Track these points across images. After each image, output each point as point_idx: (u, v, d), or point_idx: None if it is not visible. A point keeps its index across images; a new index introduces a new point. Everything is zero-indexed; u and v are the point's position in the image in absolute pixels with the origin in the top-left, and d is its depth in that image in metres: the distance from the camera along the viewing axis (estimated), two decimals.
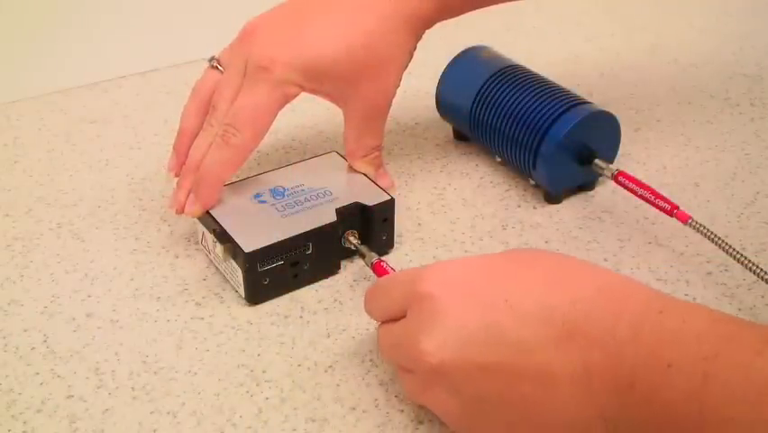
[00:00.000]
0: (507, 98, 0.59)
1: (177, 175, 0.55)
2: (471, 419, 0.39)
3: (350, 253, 0.53)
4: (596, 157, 0.57)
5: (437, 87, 0.65)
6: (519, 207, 0.59)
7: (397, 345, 0.42)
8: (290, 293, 0.52)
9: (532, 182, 0.60)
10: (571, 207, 0.59)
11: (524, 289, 0.39)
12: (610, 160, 0.59)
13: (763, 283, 0.49)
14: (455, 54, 0.64)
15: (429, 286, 0.40)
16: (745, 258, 0.49)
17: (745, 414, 0.31)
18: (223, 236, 0.50)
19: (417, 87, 0.67)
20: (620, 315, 0.36)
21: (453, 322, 0.38)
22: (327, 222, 0.51)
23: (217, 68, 0.54)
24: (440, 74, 0.64)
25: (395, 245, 0.55)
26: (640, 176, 0.55)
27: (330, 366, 0.47)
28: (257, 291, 0.50)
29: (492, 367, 0.37)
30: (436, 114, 0.66)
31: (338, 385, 0.45)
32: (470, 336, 0.38)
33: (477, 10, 0.57)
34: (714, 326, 0.35)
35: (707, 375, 0.32)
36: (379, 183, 0.55)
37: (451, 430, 0.42)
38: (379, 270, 0.50)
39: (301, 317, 0.50)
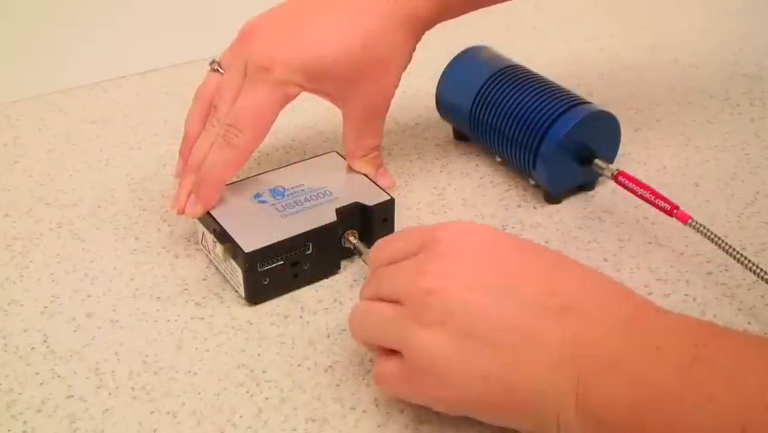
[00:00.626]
0: (507, 98, 0.59)
1: None
2: (452, 357, 0.39)
3: (350, 253, 0.53)
4: (596, 157, 0.57)
5: (437, 87, 0.65)
6: (519, 207, 0.59)
7: (398, 273, 0.41)
8: (290, 293, 0.52)
9: (532, 182, 0.60)
10: (571, 207, 0.59)
11: (535, 261, 0.41)
12: (610, 160, 0.59)
13: (763, 283, 0.49)
14: (455, 54, 0.64)
15: (449, 234, 0.42)
16: (745, 258, 0.49)
17: (728, 391, 0.33)
18: (223, 236, 0.50)
19: (417, 87, 0.67)
20: (621, 303, 0.39)
21: (466, 267, 0.40)
22: (327, 222, 0.51)
23: (218, 70, 0.54)
24: (440, 74, 0.64)
25: None
26: (640, 176, 0.55)
27: (330, 366, 0.47)
28: (257, 291, 0.50)
29: (490, 310, 0.39)
30: (436, 114, 0.66)
31: (338, 385, 0.45)
32: (477, 280, 0.40)
33: (477, 10, 0.57)
34: (705, 324, 0.37)
35: (696, 358, 0.34)
36: (379, 183, 0.55)
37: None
38: None
39: (301, 317, 0.50)
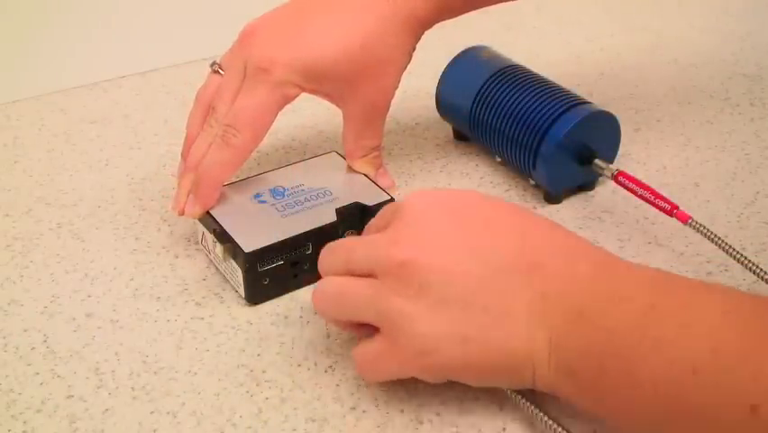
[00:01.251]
0: (507, 98, 0.59)
1: None
2: (432, 324, 0.40)
3: None
4: (596, 157, 0.57)
5: (437, 87, 0.65)
6: None
7: (370, 246, 0.42)
8: (290, 293, 0.52)
9: (532, 182, 0.60)
10: (571, 207, 0.59)
11: (504, 220, 0.43)
12: (610, 160, 0.59)
13: (763, 283, 0.49)
14: (455, 54, 0.64)
15: (414, 200, 0.43)
16: (745, 258, 0.49)
17: (680, 337, 0.35)
18: (223, 236, 0.50)
19: (417, 87, 0.67)
20: (584, 256, 0.41)
21: (434, 229, 0.42)
22: (327, 222, 0.51)
23: (219, 72, 0.54)
24: (440, 74, 0.64)
25: None
26: (640, 176, 0.55)
27: (330, 366, 0.47)
28: (257, 291, 0.50)
29: (464, 274, 0.40)
30: (436, 114, 0.66)
31: (338, 385, 0.45)
32: (448, 243, 0.41)
33: (477, 10, 0.57)
34: (664, 274, 0.40)
35: (653, 306, 0.37)
36: (379, 183, 0.55)
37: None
38: None
39: (301, 317, 0.50)
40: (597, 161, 0.57)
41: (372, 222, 0.46)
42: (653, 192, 0.54)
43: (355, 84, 0.53)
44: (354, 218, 0.52)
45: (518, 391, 0.42)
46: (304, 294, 0.52)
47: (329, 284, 0.44)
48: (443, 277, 0.40)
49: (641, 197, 0.54)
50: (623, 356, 0.36)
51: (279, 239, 0.49)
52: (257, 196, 0.53)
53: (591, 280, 0.39)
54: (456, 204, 0.43)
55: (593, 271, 0.40)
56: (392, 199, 0.53)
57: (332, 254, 0.45)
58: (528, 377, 0.40)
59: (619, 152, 0.60)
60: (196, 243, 0.56)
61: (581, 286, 0.39)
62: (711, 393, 0.34)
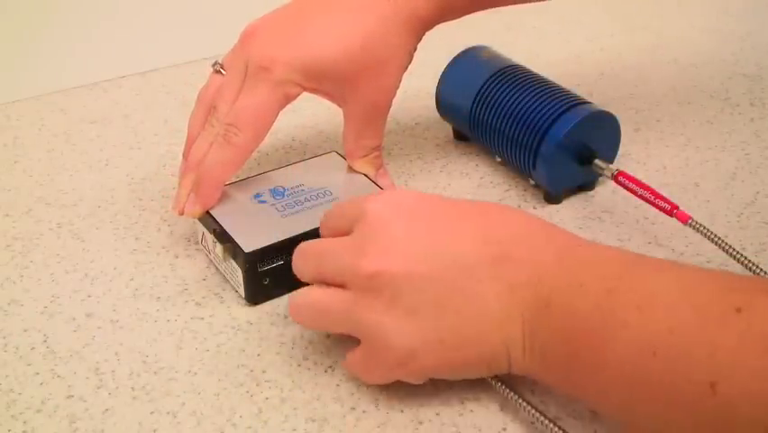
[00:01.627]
0: (507, 98, 0.59)
1: None
2: (405, 335, 0.40)
3: None
4: (596, 157, 0.57)
5: (437, 87, 0.65)
6: (519, 207, 0.59)
7: (338, 256, 0.43)
8: (290, 293, 0.51)
9: (532, 182, 0.60)
10: (571, 207, 0.59)
11: (466, 216, 0.43)
12: (610, 160, 0.59)
13: None
14: (455, 54, 0.64)
15: (378, 205, 0.43)
16: (745, 258, 0.49)
17: (639, 319, 0.36)
18: (223, 236, 0.50)
19: (417, 87, 0.67)
20: (547, 243, 0.41)
21: (399, 236, 0.42)
22: None
23: (220, 72, 0.54)
24: (440, 74, 0.64)
25: None
26: (640, 176, 0.55)
27: (330, 366, 0.47)
28: (257, 291, 0.50)
29: (432, 276, 0.40)
30: (436, 114, 0.66)
31: (338, 385, 0.45)
32: (413, 249, 0.41)
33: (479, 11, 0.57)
34: (621, 255, 0.41)
35: (610, 291, 0.37)
36: (379, 183, 0.55)
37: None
38: None
39: None
40: (597, 161, 0.57)
41: (333, 220, 0.46)
42: (653, 192, 0.54)
43: (356, 83, 0.53)
44: None
45: (498, 378, 0.43)
46: None
47: (304, 297, 0.44)
48: (413, 285, 0.40)
49: (641, 197, 0.54)
50: (589, 341, 0.37)
51: (279, 239, 0.49)
52: (257, 196, 0.53)
53: (554, 266, 0.40)
54: (415, 204, 0.44)
55: (555, 255, 0.40)
56: None
57: (303, 258, 0.45)
58: (504, 363, 0.41)
59: (619, 152, 0.60)
60: (196, 243, 0.56)
61: (546, 275, 0.40)
62: (671, 373, 0.34)
